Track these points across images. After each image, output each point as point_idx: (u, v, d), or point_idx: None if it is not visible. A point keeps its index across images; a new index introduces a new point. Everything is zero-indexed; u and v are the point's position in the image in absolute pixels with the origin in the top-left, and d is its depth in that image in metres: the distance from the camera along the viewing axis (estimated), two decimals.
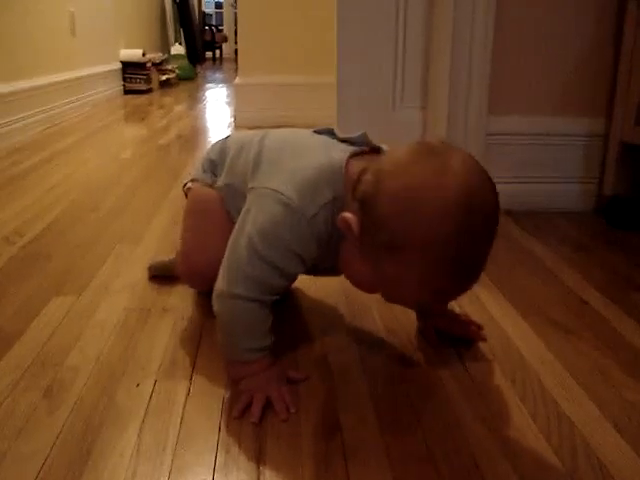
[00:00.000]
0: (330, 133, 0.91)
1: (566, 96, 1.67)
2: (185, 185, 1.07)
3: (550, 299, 1.14)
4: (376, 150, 0.86)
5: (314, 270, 0.91)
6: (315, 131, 0.93)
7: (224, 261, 0.83)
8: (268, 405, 0.80)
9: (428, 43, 1.69)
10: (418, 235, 0.70)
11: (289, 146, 0.90)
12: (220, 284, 0.82)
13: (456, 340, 0.98)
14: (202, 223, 1.02)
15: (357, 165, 0.80)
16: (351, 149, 0.85)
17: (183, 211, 1.07)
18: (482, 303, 1.12)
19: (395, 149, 0.79)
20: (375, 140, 0.88)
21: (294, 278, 0.84)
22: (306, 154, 0.86)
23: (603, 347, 0.97)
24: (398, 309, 1.04)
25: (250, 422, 0.77)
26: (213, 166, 1.02)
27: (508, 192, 1.64)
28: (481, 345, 0.97)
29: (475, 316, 1.06)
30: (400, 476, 0.69)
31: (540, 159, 1.67)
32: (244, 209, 0.84)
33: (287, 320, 1.06)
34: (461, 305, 1.11)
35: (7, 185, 1.96)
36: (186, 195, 1.07)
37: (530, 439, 0.75)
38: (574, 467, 0.70)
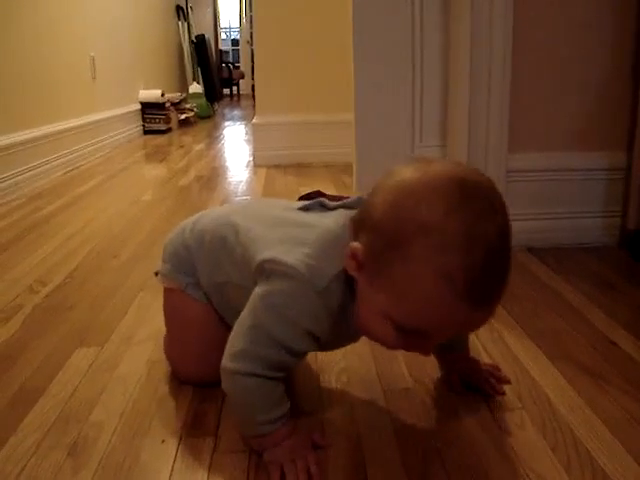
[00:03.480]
0: (321, 205, 0.86)
1: (585, 130, 1.66)
2: (157, 273, 1.02)
3: (577, 340, 1.12)
4: None
5: (330, 345, 0.89)
6: (304, 207, 0.87)
7: (230, 339, 0.79)
8: None
9: (446, 81, 1.69)
10: (416, 221, 0.66)
11: (281, 225, 0.85)
12: (225, 361, 0.78)
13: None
14: (185, 336, 0.99)
15: None
16: (349, 213, 0.80)
17: (164, 312, 1.04)
18: (507, 344, 1.11)
19: None
20: None
21: (304, 356, 0.79)
22: (303, 228, 0.81)
23: (634, 390, 0.95)
24: (425, 358, 1.02)
25: None
26: (183, 262, 0.96)
27: (530, 229, 1.64)
28: (509, 393, 0.95)
29: (501, 359, 1.05)
30: None
31: (561, 194, 1.65)
32: (255, 289, 0.79)
33: (310, 374, 1.05)
34: (485, 345, 1.09)
35: (30, 232, 1.97)
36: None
37: None
38: None
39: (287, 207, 0.90)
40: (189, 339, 0.99)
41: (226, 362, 0.78)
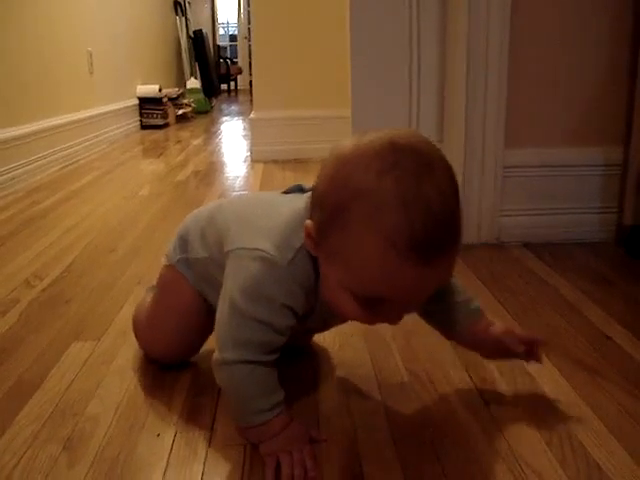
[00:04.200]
0: (299, 189, 0.89)
1: (582, 126, 1.66)
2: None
3: (573, 336, 1.12)
4: None
5: (317, 323, 0.91)
6: (284, 192, 0.90)
7: (215, 332, 0.82)
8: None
9: (443, 77, 1.69)
10: (351, 188, 0.67)
11: (256, 206, 0.90)
12: (217, 354, 0.79)
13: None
14: (166, 322, 1.01)
15: None
16: None
17: (157, 285, 1.06)
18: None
19: None
20: None
21: (288, 332, 0.80)
22: (275, 209, 0.84)
23: (630, 386, 0.95)
24: (420, 350, 1.02)
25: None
26: (182, 241, 0.99)
27: (526, 224, 1.64)
28: (505, 387, 0.95)
29: None
30: None
31: (557, 190, 1.65)
32: (225, 275, 0.82)
33: (305, 365, 1.05)
34: None
35: (27, 226, 1.97)
36: None
37: None
38: None
39: (273, 194, 0.94)
40: (169, 326, 1.00)
41: (218, 355, 0.79)
